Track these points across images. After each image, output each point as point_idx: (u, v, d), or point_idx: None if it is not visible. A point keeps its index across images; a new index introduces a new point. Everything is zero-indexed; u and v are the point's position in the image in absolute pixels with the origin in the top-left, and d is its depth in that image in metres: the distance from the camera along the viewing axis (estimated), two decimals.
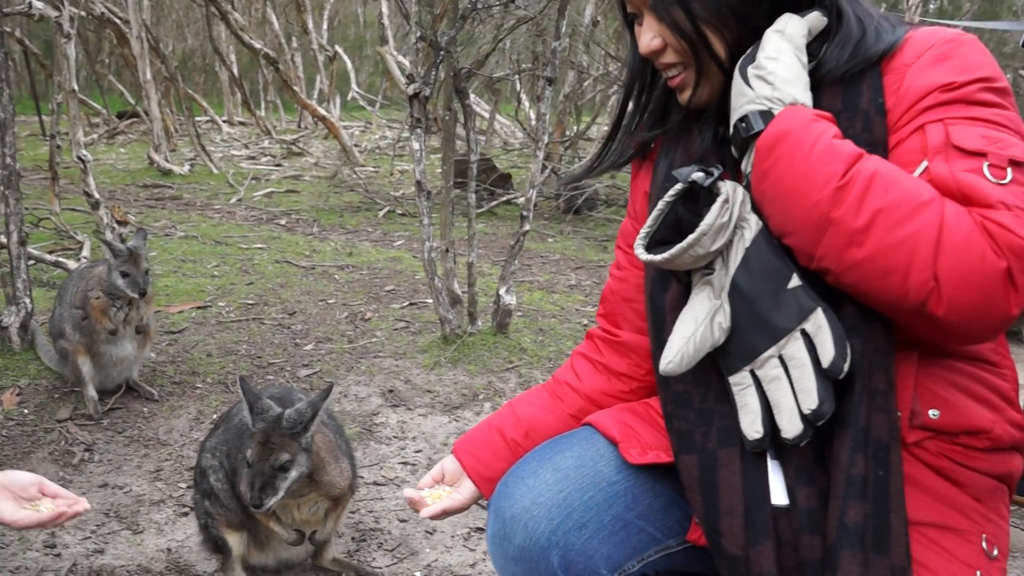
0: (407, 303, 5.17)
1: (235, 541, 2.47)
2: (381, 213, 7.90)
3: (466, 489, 1.86)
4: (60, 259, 5.65)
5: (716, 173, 1.42)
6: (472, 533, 2.82)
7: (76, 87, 6.68)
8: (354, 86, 13.90)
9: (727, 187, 1.41)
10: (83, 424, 3.62)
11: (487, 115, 10.79)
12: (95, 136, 12.94)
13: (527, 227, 4.20)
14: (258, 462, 2.19)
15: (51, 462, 3.31)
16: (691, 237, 1.39)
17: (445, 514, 1.85)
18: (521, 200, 8.04)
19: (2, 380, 3.94)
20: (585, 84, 8.66)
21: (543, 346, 4.36)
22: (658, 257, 1.43)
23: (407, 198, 8.33)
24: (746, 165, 1.43)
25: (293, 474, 2.22)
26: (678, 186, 1.45)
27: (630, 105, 1.76)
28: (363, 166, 10.13)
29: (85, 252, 6.02)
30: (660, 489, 1.62)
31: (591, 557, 1.55)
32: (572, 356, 1.96)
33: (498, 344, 4.28)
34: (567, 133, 8.76)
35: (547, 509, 1.57)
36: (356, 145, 11.20)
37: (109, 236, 4.67)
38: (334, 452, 2.41)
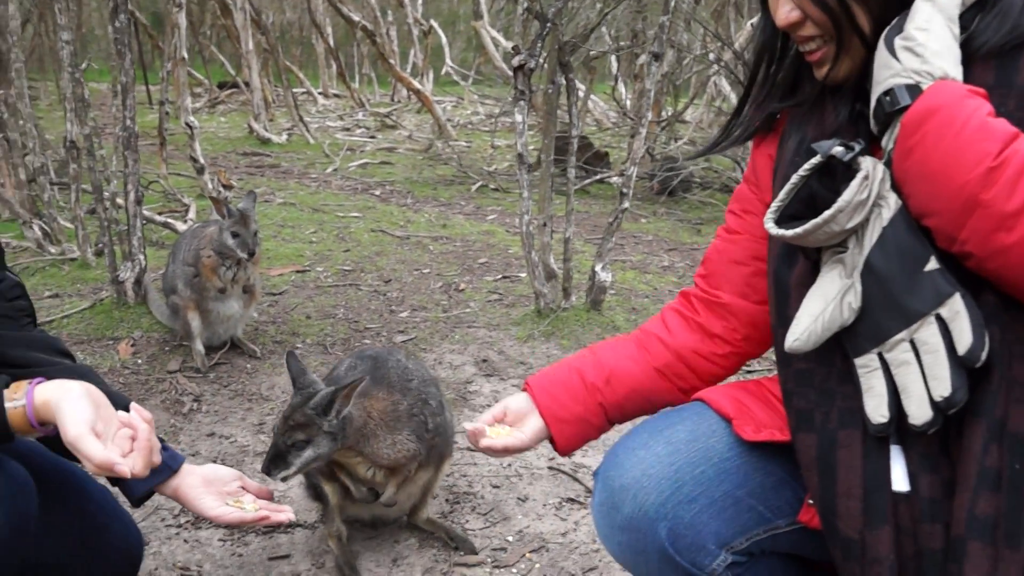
0: (500, 276, 5.24)
1: (330, 490, 2.53)
2: (474, 187, 7.98)
3: (530, 428, 1.84)
4: (169, 220, 5.86)
5: (858, 148, 1.38)
6: (564, 503, 2.86)
7: (186, 55, 6.89)
8: (448, 60, 13.99)
9: (867, 163, 1.37)
10: (191, 376, 3.78)
11: (581, 93, 10.78)
12: (198, 105, 13.28)
13: (626, 204, 4.22)
14: (278, 435, 2.25)
15: (163, 410, 3.46)
16: (827, 213, 1.36)
17: (506, 451, 1.84)
18: (615, 179, 8.04)
19: (118, 331, 4.13)
20: (685, 63, 8.59)
21: (636, 324, 4.37)
22: (790, 232, 1.41)
23: (500, 173, 8.39)
24: (888, 141, 1.39)
25: (309, 453, 2.25)
26: (815, 159, 1.42)
27: (759, 76, 1.70)
28: (456, 140, 10.22)
29: (191, 215, 6.23)
30: (772, 468, 1.62)
31: (699, 531, 1.55)
32: (663, 311, 1.93)
33: (591, 320, 4.31)
34: (663, 113, 8.71)
35: (657, 481, 1.57)
36: (448, 120, 11.29)
37: (216, 197, 4.82)
38: (391, 424, 2.41)
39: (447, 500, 2.87)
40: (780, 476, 1.61)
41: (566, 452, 1.88)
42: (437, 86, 14.13)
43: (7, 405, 1.67)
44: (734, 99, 9.45)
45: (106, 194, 4.46)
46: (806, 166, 1.43)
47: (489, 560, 2.55)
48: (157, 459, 1.84)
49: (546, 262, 4.24)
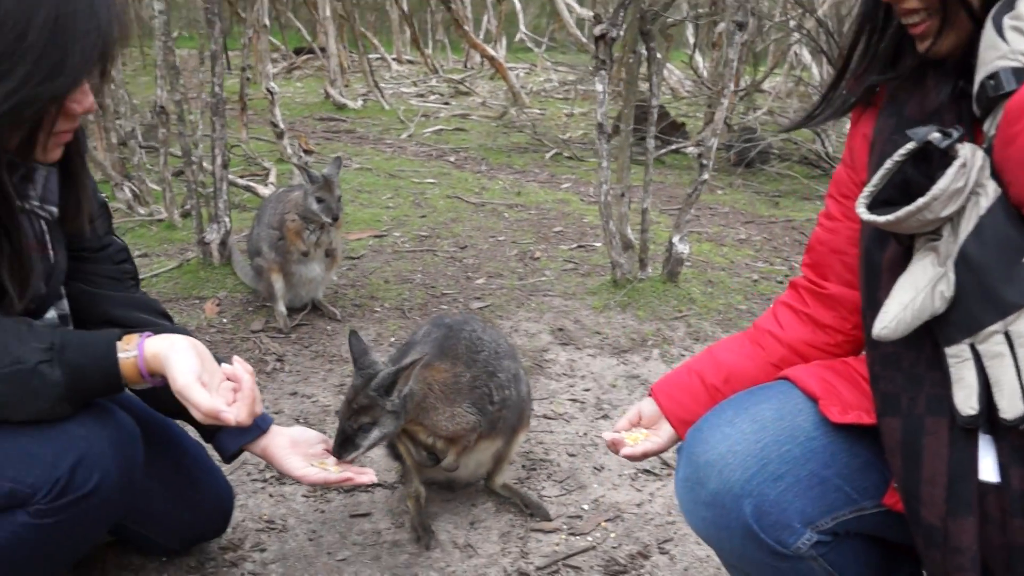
0: (575, 245, 5.25)
1: (406, 453, 2.59)
2: (548, 155, 7.98)
3: (665, 432, 1.92)
4: (250, 183, 5.99)
5: (955, 135, 1.35)
6: (639, 474, 2.89)
7: (268, 23, 6.99)
8: (521, 27, 13.93)
9: (965, 150, 1.33)
10: (274, 336, 3.88)
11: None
12: (275, 71, 13.45)
13: (705, 176, 4.20)
14: (343, 419, 2.29)
15: None
16: (921, 200, 1.33)
17: (645, 455, 1.92)
18: (691, 150, 7.97)
19: (204, 291, 4.26)
20: (765, 30, 8.43)
21: (712, 298, 4.37)
22: (882, 219, 1.39)
23: (575, 141, 8.37)
24: (989, 126, 1.35)
25: (375, 434, 2.29)
26: (910, 145, 1.39)
27: (860, 47, 1.67)
28: (529, 107, 10.21)
29: (272, 178, 6.35)
30: (858, 450, 1.61)
31: (785, 509, 1.56)
32: (775, 305, 1.95)
33: (667, 292, 4.31)
34: (741, 83, 8.58)
35: (743, 458, 1.59)
36: (522, 87, 11.27)
37: (302, 162, 4.91)
38: (451, 397, 2.44)
39: (523, 466, 2.92)
40: (866, 457, 1.61)
41: None
42: (510, 52, 14.08)
43: (119, 356, 1.76)
44: (815, 69, 9.28)
45: (193, 158, 4.57)
46: (901, 151, 1.40)
47: (564, 527, 2.60)
48: (259, 408, 1.93)
49: (623, 232, 4.24)
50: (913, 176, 1.40)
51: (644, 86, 4.72)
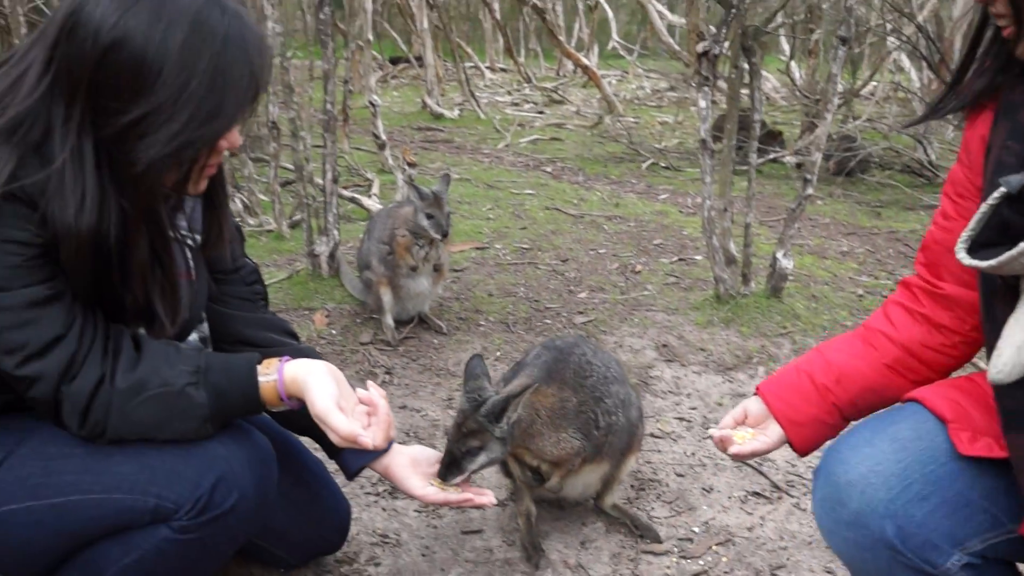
0: (676, 258, 5.24)
1: (518, 471, 2.62)
2: (644, 165, 7.96)
3: (773, 432, 1.90)
4: (355, 195, 6.12)
5: None
6: (749, 496, 2.88)
7: (371, 37, 7.14)
8: (614, 34, 13.92)
9: None
10: (382, 349, 3.97)
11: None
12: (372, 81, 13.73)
13: (810, 190, 4.15)
14: (452, 442, 2.32)
15: (357, 380, 3.65)
16: (1021, 246, 1.33)
17: (753, 455, 1.91)
18: (788, 159, 7.87)
19: (313, 302, 4.38)
20: (863, 35, 8.27)
21: (816, 313, 4.32)
22: (983, 264, 1.39)
23: (671, 151, 8.34)
24: None
25: (481, 459, 2.31)
26: (1002, 190, 1.39)
27: (982, 45, 1.67)
28: (624, 116, 10.20)
29: (375, 189, 6.48)
30: (1000, 471, 1.59)
31: (932, 531, 1.55)
32: (885, 304, 1.93)
33: (771, 308, 4.28)
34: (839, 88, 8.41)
35: (885, 478, 1.58)
36: (615, 94, 11.27)
37: (398, 176, 5.02)
38: (556, 422, 2.45)
39: (632, 486, 2.93)
40: (1010, 479, 1.58)
41: (805, 453, 1.92)
42: (602, 60, 14.09)
43: (260, 379, 1.85)
44: (914, 74, 9.06)
45: (304, 172, 4.71)
46: (995, 195, 1.40)
47: (675, 550, 2.61)
48: (393, 433, 2.00)
49: (726, 247, 4.22)
50: (1011, 217, 1.40)
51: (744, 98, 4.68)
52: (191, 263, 2.01)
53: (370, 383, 2.05)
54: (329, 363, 1.95)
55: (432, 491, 2.25)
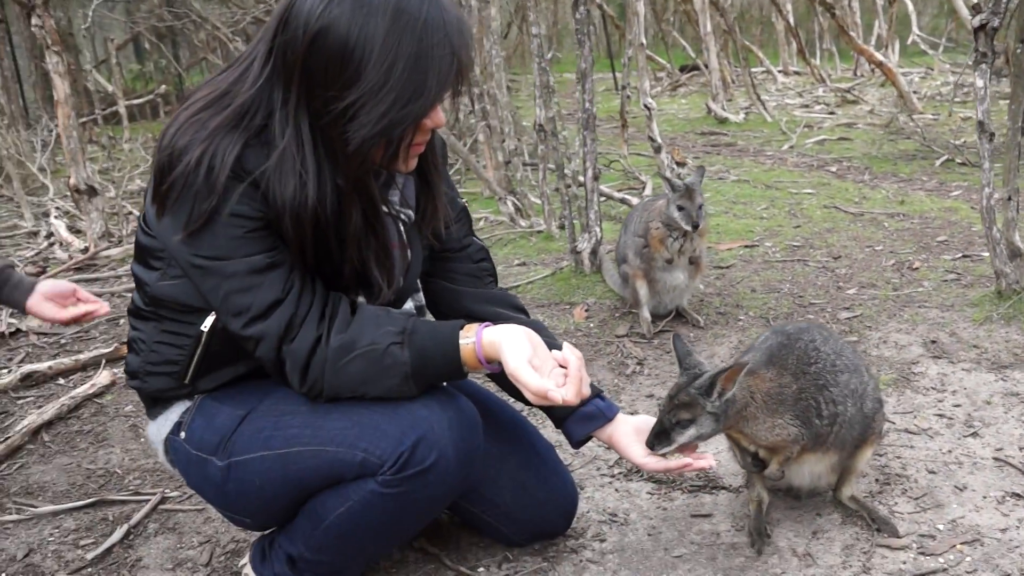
0: (960, 255, 4.88)
1: (736, 455, 2.59)
2: (938, 162, 7.45)
3: None
4: (626, 196, 6.23)
5: None
6: (1008, 497, 2.64)
7: (644, 41, 7.23)
8: (915, 29, 13.08)
9: None
10: (637, 341, 4.02)
11: None
12: (659, 88, 13.81)
13: None
14: (663, 412, 2.30)
15: (608, 370, 3.74)
16: None
17: None
18: None
19: (574, 297, 4.52)
20: None
21: None
22: None
23: (969, 147, 7.74)
24: None
25: (691, 432, 2.28)
26: None
27: None
28: (921, 113, 9.56)
29: (647, 191, 6.55)
30: None
31: None
32: None
33: None
34: None
35: None
36: (915, 92, 10.58)
37: (668, 174, 5.04)
38: (772, 407, 2.37)
39: (876, 480, 2.79)
40: None
41: None
42: (904, 56, 13.27)
43: (461, 342, 1.98)
44: None
45: (567, 172, 4.87)
46: None
47: (914, 545, 2.45)
48: (587, 391, 2.07)
49: (1010, 239, 3.88)
50: None
51: None
52: (404, 236, 2.18)
53: (565, 343, 2.13)
54: (529, 329, 2.05)
55: (652, 459, 2.29)
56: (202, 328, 2.04)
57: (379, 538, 2.15)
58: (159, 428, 2.23)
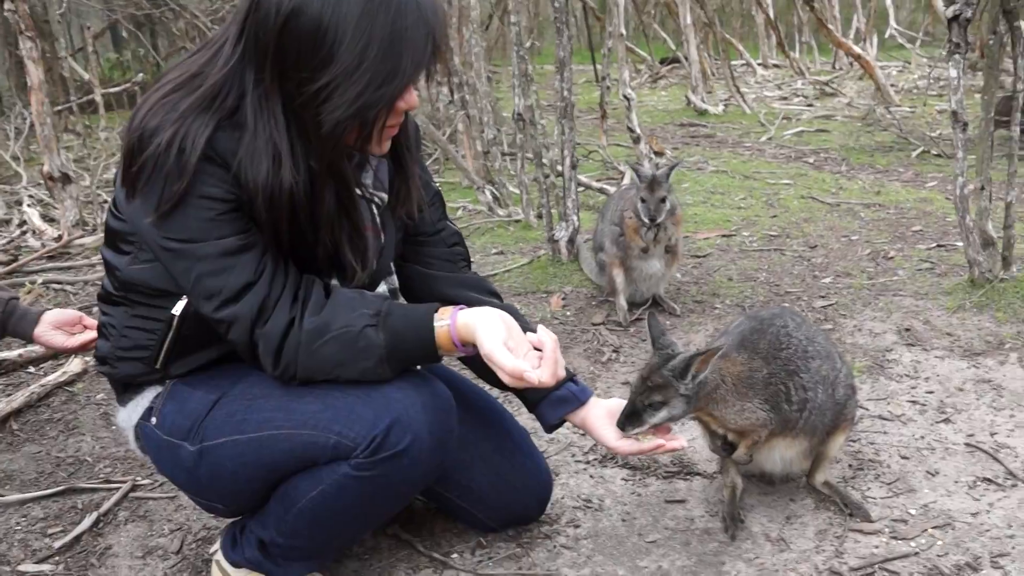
0: (934, 244, 4.91)
1: (707, 440, 2.60)
2: (914, 154, 7.49)
3: None
4: (604, 186, 6.23)
5: None
6: (979, 482, 2.66)
7: (624, 32, 7.22)
8: (892, 23, 13.14)
9: None
10: (613, 329, 4.03)
11: None
12: (639, 81, 13.79)
13: None
14: (635, 394, 2.30)
15: (584, 358, 3.74)
16: None
17: None
18: None
19: (551, 286, 4.52)
20: None
21: None
22: None
23: (944, 139, 7.78)
24: None
25: (663, 414, 2.28)
26: None
27: None
28: (898, 106, 9.61)
29: (626, 181, 6.54)
30: None
31: None
32: None
33: None
34: None
35: None
36: (892, 85, 10.62)
37: (645, 165, 5.04)
38: (742, 391, 2.38)
39: (850, 466, 2.81)
40: None
41: None
42: (882, 51, 13.34)
43: (435, 324, 1.97)
44: None
45: (545, 160, 4.85)
46: None
47: (886, 530, 2.47)
48: (562, 373, 2.06)
49: (983, 228, 3.90)
50: None
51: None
52: (377, 219, 2.17)
53: (540, 326, 2.12)
54: (504, 312, 2.04)
55: (625, 443, 2.29)
56: (173, 312, 2.02)
57: (352, 522, 2.14)
58: (129, 414, 2.21)
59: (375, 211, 2.16)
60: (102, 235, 5.60)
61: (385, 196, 2.18)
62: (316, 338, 1.94)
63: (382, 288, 2.27)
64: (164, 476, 2.27)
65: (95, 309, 4.49)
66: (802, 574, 2.32)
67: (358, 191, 2.05)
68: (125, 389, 2.21)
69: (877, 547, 2.40)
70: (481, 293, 2.42)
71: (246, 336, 1.95)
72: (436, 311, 2.01)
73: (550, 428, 2.40)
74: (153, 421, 2.14)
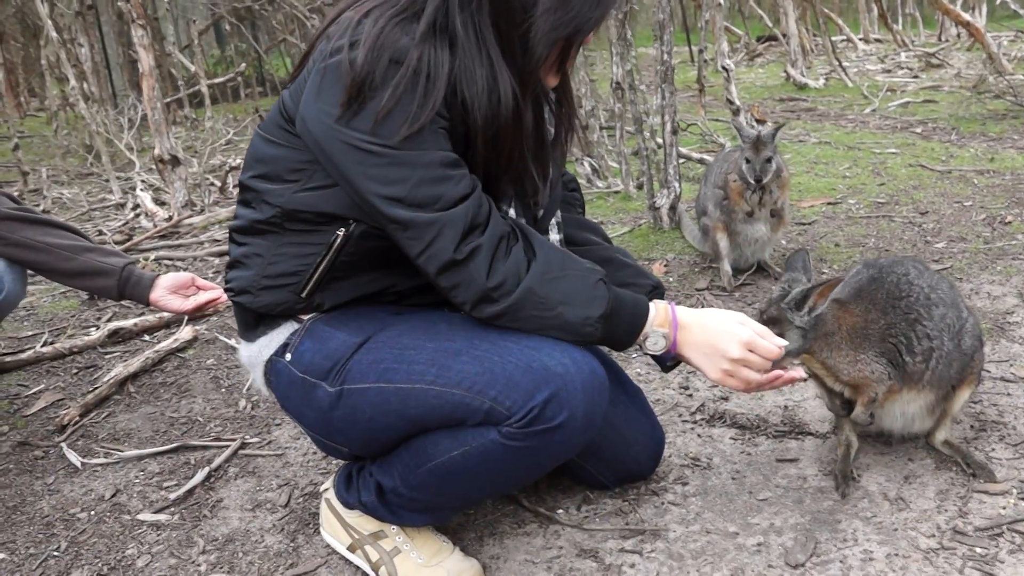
0: None
1: (824, 398, 2.53)
2: None
3: None
4: (704, 157, 6.12)
5: None
6: None
7: (721, 2, 7.08)
8: None
9: None
10: (717, 294, 3.95)
11: None
12: (736, 59, 13.54)
13: None
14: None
15: None
16: None
17: None
18: None
19: (653, 253, 4.46)
20: None
21: None
22: None
23: None
24: None
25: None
26: None
27: None
28: (1012, 74, 9.19)
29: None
30: None
31: None
32: None
33: None
34: None
35: None
36: (1004, 54, 10.18)
37: (743, 122, 4.92)
38: (856, 342, 2.31)
39: (972, 427, 2.68)
40: None
41: None
42: (992, 21, 12.79)
43: (658, 329, 2.06)
44: None
45: (644, 129, 4.79)
46: None
47: (1014, 491, 2.35)
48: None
49: None
50: None
51: None
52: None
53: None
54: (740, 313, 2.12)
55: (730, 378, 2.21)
56: (338, 232, 1.99)
57: (485, 486, 2.10)
58: (260, 350, 2.16)
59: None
60: (209, 215, 5.74)
61: (552, 130, 2.18)
62: (552, 268, 1.94)
63: (555, 237, 2.28)
64: (288, 414, 2.23)
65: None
66: (923, 533, 2.22)
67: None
68: (258, 323, 2.16)
69: (1004, 508, 2.28)
70: (597, 236, 2.44)
71: (454, 243, 1.88)
72: (649, 300, 2.07)
73: (668, 369, 2.35)
74: (288, 357, 2.09)
